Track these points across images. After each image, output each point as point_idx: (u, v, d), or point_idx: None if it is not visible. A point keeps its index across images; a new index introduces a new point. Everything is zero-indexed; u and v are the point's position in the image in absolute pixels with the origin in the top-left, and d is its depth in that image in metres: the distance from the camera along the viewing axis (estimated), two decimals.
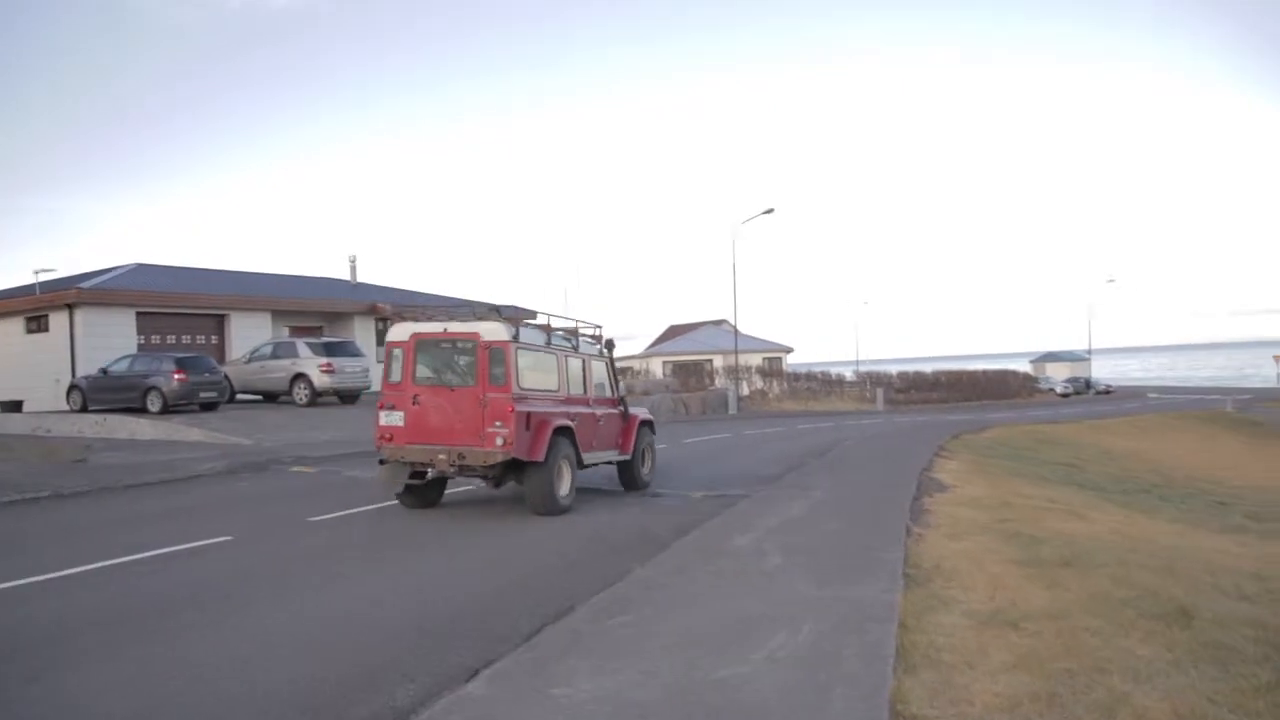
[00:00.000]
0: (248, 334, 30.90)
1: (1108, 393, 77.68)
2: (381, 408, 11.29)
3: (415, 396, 11.11)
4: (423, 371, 11.29)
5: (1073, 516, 11.88)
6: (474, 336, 11.07)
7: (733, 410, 42.34)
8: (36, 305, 28.78)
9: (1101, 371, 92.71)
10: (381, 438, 11.21)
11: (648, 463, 14.19)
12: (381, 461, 11.39)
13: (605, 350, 13.87)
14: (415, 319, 11.76)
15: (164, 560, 8.61)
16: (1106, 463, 24.30)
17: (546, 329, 12.37)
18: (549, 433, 11.04)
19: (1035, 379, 76.72)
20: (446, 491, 12.54)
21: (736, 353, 47.93)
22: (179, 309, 30.26)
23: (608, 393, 13.58)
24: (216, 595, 7.22)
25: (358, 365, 27.42)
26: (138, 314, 28.69)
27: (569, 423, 11.59)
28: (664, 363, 60.85)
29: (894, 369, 69.02)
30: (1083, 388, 75.92)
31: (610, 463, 13.43)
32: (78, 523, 11.36)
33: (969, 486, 14.06)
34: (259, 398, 27.64)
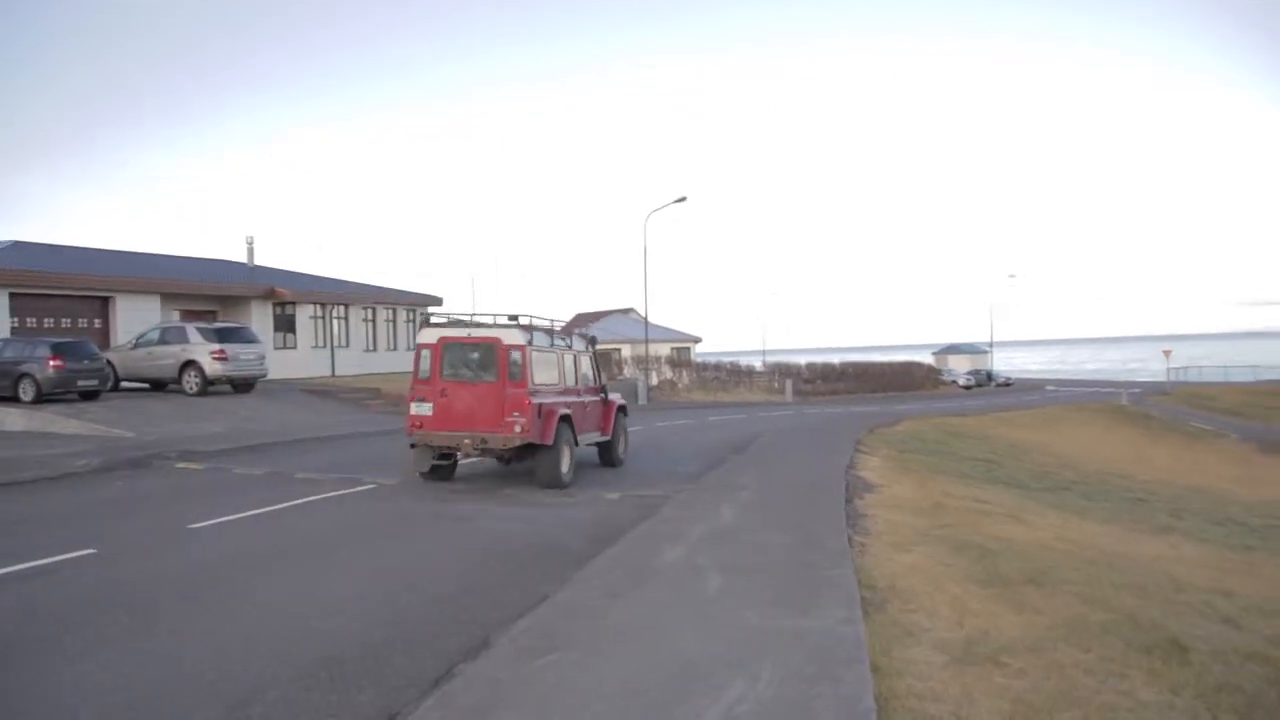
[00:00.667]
0: (135, 318, 28.97)
1: (1008, 385, 79.26)
2: (412, 400, 12.97)
3: (442, 390, 12.80)
4: (449, 369, 12.96)
5: (1011, 520, 11.42)
6: (495, 341, 12.85)
7: (642, 401, 41.58)
8: None
9: (1000, 364, 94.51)
10: (413, 425, 12.89)
11: (623, 443, 16.13)
12: (412, 446, 13.09)
13: (590, 345, 15.87)
14: (442, 325, 13.48)
15: (2, 583, 7.39)
16: (1020, 457, 24.22)
17: (549, 332, 14.09)
18: (555, 420, 12.87)
19: (939, 371, 77.84)
20: (353, 492, 11.60)
21: (647, 342, 47.23)
22: (59, 290, 28.16)
23: (591, 382, 15.38)
24: (63, 630, 6.09)
25: (253, 352, 25.91)
26: (12, 295, 26.58)
27: (568, 411, 13.43)
28: None
29: (801, 360, 69.15)
30: (984, 380, 77.28)
31: (594, 444, 15.22)
32: None
33: (897, 486, 13.56)
34: (146, 386, 25.92)
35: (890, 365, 70.51)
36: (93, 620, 6.29)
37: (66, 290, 28.37)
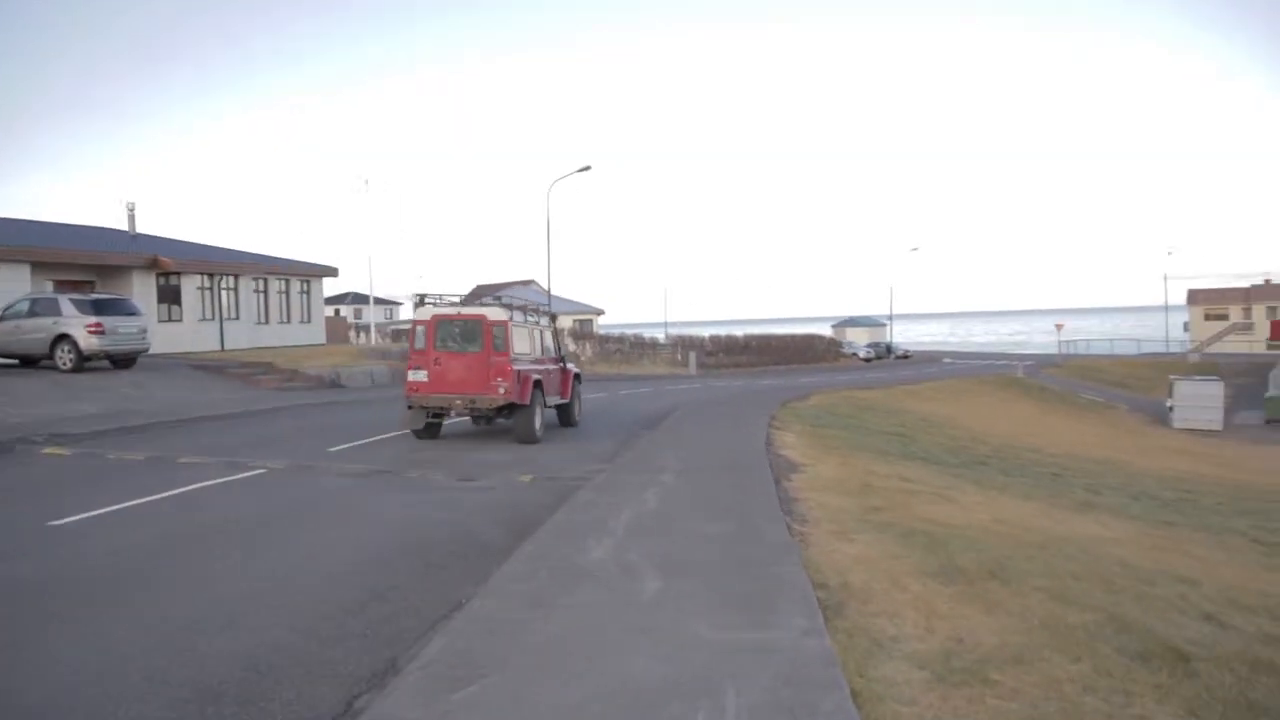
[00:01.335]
0: (1, 289, 26.94)
1: (906, 357, 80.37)
2: (410, 368, 15.08)
3: (436, 360, 14.93)
4: (441, 342, 15.02)
5: (940, 500, 10.97)
6: (481, 317, 15.01)
7: None
8: None
9: (897, 336, 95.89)
10: (411, 389, 15.00)
11: (577, 405, 18.34)
12: (409, 407, 15.12)
13: (550, 321, 18.44)
14: (435, 305, 15.45)
15: None
16: (931, 431, 24.08)
17: (524, 310, 16.46)
18: (530, 384, 15.19)
19: (839, 344, 78.49)
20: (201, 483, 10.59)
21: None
22: None
23: (553, 353, 17.49)
24: None
25: (134, 325, 24.18)
26: None
27: (539, 377, 15.70)
28: None
29: (704, 332, 68.89)
30: (884, 352, 78.17)
31: (554, 406, 17.00)
32: None
33: (821, 465, 13.03)
34: (15, 363, 24.03)
35: (793, 338, 70.71)
36: None
37: None
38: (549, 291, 46.64)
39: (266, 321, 37.06)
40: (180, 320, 32.93)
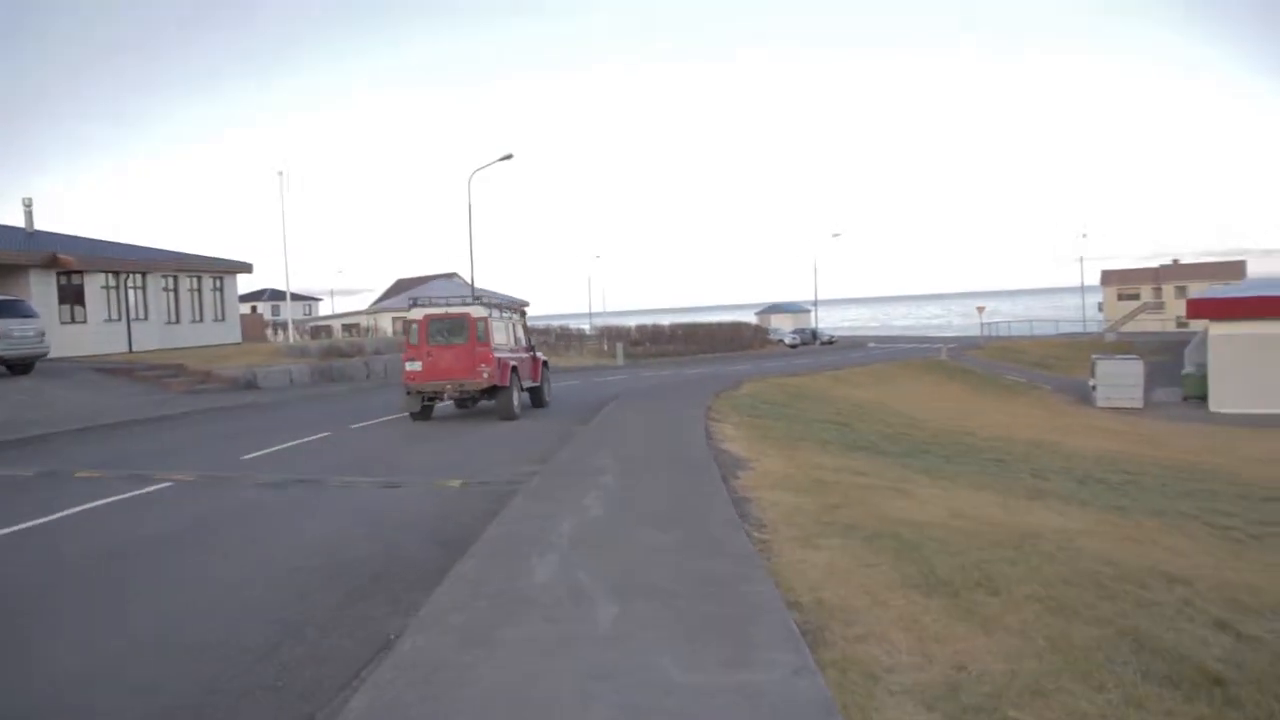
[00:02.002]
0: None
1: (831, 343, 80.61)
2: (406, 360, 17.83)
3: (429, 352, 17.58)
4: (432, 337, 17.68)
5: (896, 494, 10.47)
6: (465, 315, 17.84)
7: None
8: None
9: (821, 322, 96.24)
10: (408, 378, 17.71)
11: (547, 388, 21.19)
12: (408, 393, 17.80)
13: (521, 317, 21.43)
14: (425, 306, 18.37)
15: None
16: (866, 418, 23.75)
17: (500, 307, 19.65)
18: (509, 369, 18.06)
19: (765, 331, 78.46)
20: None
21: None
22: None
23: (525, 343, 20.30)
24: None
25: (31, 328, 22.81)
26: None
27: (516, 363, 18.59)
28: (394, 319, 56.58)
29: (630, 321, 68.32)
30: (809, 338, 78.29)
31: (528, 388, 19.74)
32: None
33: (767, 459, 12.46)
34: None
35: (719, 326, 70.41)
36: None
37: None
38: (471, 284, 45.43)
39: (178, 321, 35.43)
40: (84, 321, 31.22)
